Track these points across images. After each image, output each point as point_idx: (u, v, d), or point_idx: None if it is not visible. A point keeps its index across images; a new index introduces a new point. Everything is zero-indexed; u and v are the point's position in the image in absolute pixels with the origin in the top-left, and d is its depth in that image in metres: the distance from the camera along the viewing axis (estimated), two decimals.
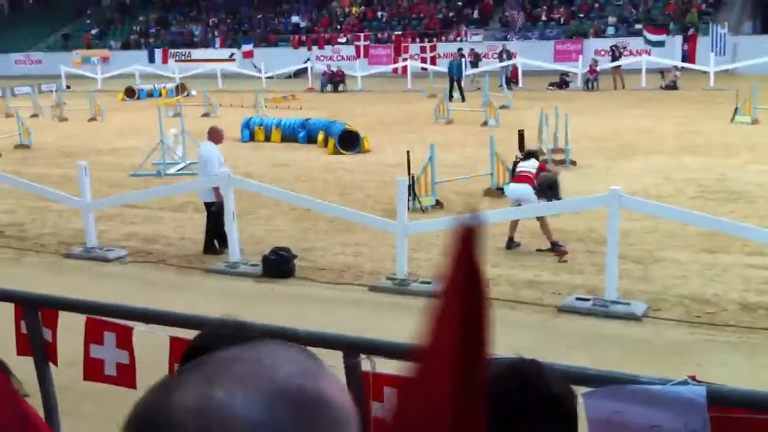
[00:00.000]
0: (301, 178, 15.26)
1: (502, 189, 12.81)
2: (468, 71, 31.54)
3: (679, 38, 35.62)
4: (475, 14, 42.45)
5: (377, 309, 8.23)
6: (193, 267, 9.89)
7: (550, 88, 30.87)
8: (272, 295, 8.84)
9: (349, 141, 17.93)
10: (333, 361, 3.42)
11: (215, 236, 10.39)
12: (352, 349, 3.40)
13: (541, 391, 1.76)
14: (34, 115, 26.43)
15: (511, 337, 7.33)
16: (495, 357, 1.84)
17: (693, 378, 2.76)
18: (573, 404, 1.82)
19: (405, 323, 7.66)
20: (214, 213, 10.28)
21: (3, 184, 12.67)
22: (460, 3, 44.01)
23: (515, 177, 10.62)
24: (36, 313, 4.25)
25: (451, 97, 27.26)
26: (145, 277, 9.68)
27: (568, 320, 7.70)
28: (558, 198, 10.19)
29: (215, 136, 10.74)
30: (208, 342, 2.04)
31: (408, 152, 12.66)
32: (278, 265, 9.37)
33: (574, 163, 15.17)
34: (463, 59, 30.86)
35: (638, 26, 37.24)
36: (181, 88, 33.00)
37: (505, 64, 33.00)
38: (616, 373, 3.17)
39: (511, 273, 9.12)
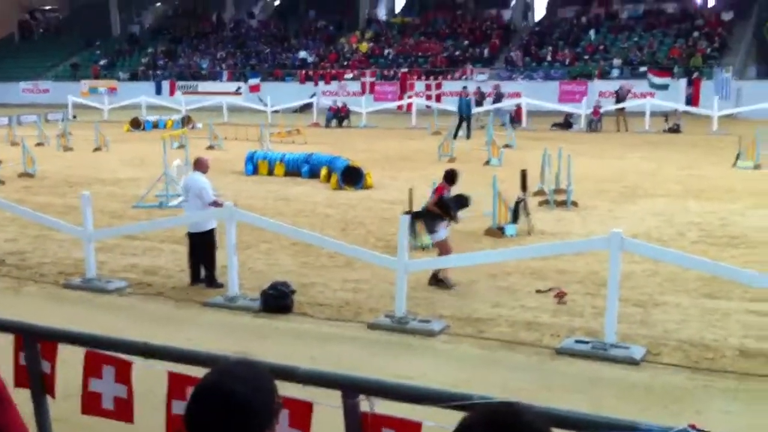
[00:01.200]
0: (303, 212, 15.30)
1: (502, 229, 12.85)
2: (473, 110, 31.74)
3: (683, 81, 35.86)
4: (485, 53, 42.78)
5: (375, 347, 8.21)
6: (191, 300, 9.88)
7: (554, 128, 31.02)
8: (271, 330, 8.82)
9: (352, 177, 18.00)
10: (332, 400, 3.42)
11: (208, 266, 10.45)
12: (352, 388, 3.40)
13: None
14: (40, 144, 26.57)
15: (508, 378, 7.32)
16: (476, 405, 1.85)
17: (693, 427, 2.74)
18: None
19: (400, 362, 7.72)
20: (209, 243, 10.38)
21: (6, 212, 12.71)
22: (466, 42, 44.42)
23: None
24: (35, 345, 4.25)
25: (456, 134, 27.40)
26: (143, 309, 9.66)
27: (566, 363, 7.66)
28: (455, 210, 10.38)
29: (201, 166, 10.85)
30: (220, 379, 2.05)
31: (410, 189, 12.71)
32: (277, 300, 9.36)
33: (575, 204, 15.20)
34: (471, 97, 31.07)
35: (643, 69, 37.51)
36: (186, 120, 33.21)
37: (500, 106, 33.19)
38: (615, 420, 3.15)
39: (510, 314, 9.10)
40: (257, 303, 9.43)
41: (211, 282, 10.36)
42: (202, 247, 10.42)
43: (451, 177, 10.76)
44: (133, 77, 49.23)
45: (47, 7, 67.18)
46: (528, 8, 47.84)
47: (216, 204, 10.54)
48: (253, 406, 1.99)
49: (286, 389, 3.56)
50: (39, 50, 56.51)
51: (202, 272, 10.49)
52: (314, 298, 9.79)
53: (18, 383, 4.47)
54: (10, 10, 59.28)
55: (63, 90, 45.16)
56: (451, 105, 33.92)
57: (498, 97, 34.40)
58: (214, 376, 2.07)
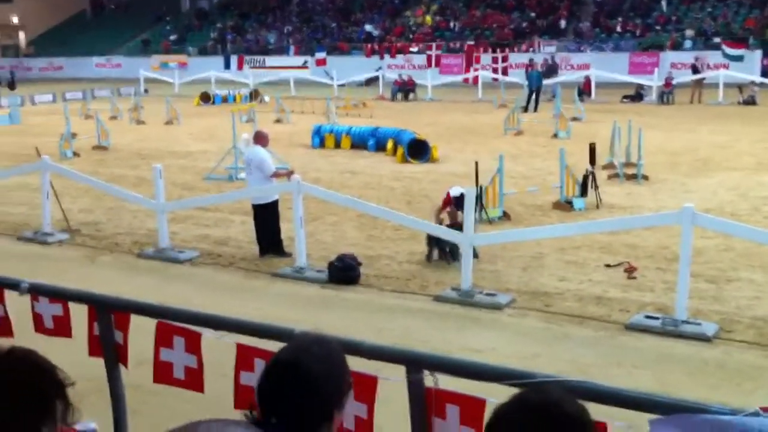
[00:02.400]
0: (369, 185, 15.35)
1: (571, 202, 12.68)
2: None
3: (758, 53, 34.64)
4: (553, 25, 41.97)
5: (441, 319, 8.21)
6: (260, 271, 10.03)
7: (624, 100, 30.35)
8: (337, 301, 8.91)
9: (418, 150, 17.96)
10: (396, 374, 3.44)
11: (274, 237, 10.59)
12: (416, 364, 3.40)
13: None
14: (113, 118, 27.23)
15: (576, 353, 7.25)
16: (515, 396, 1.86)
17: (765, 410, 2.67)
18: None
19: (467, 335, 7.69)
20: (273, 214, 10.52)
21: (81, 183, 13.08)
22: (533, 14, 43.66)
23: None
24: (109, 316, 4.36)
25: (526, 108, 27.06)
26: (214, 279, 9.86)
27: (635, 338, 7.55)
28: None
29: (261, 139, 11.00)
30: (297, 356, 2.08)
31: (476, 163, 12.62)
32: (344, 272, 9.44)
33: (646, 177, 14.88)
34: (540, 70, 30.56)
35: (716, 40, 36.33)
36: (254, 94, 33.55)
37: (556, 80, 32.53)
38: (684, 401, 3.08)
39: (579, 288, 8.98)
40: (324, 274, 9.52)
41: (279, 251, 10.51)
42: (266, 218, 10.59)
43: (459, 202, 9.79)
44: (203, 52, 49.92)
45: None
46: None
47: (277, 175, 10.69)
48: (327, 384, 2.02)
49: (352, 363, 3.61)
50: (110, 26, 57.74)
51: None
52: (380, 271, 9.84)
53: (92, 353, 4.61)
54: None
55: (135, 65, 46.14)
56: (518, 78, 33.50)
57: (550, 70, 33.65)
58: (290, 353, 2.09)
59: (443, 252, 10.04)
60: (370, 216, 11.47)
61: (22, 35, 61.00)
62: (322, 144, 20.48)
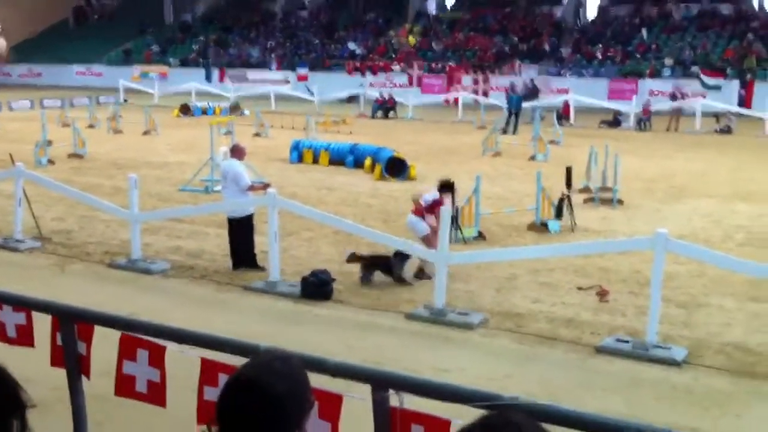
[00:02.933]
0: (346, 202, 15.33)
1: (546, 225, 12.73)
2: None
3: (735, 83, 35.13)
4: (534, 49, 42.37)
5: (413, 338, 8.19)
6: (233, 284, 9.96)
7: (602, 126, 30.61)
8: (309, 317, 8.85)
9: (397, 168, 17.98)
10: (361, 393, 3.41)
11: (248, 251, 10.55)
12: (381, 383, 3.37)
13: None
14: (91, 126, 27.02)
15: (546, 374, 7.24)
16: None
17: None
18: None
19: (438, 354, 7.66)
20: (247, 227, 10.50)
21: (54, 191, 12.95)
22: (516, 38, 44.05)
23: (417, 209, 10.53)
24: (72, 326, 4.30)
25: (505, 130, 27.22)
26: (186, 291, 9.77)
27: (605, 361, 7.56)
28: (399, 266, 9.97)
29: (238, 152, 11.04)
30: (257, 374, 2.04)
31: (452, 182, 12.63)
32: (317, 287, 9.39)
33: (621, 202, 14.98)
34: (521, 93, 30.77)
35: (695, 68, 36.81)
36: (234, 108, 33.48)
37: (538, 103, 32.88)
38: (652, 426, 3.07)
39: (551, 310, 9.00)
40: (297, 289, 9.47)
41: (253, 265, 10.45)
42: (241, 232, 10.55)
43: (447, 186, 10.60)
44: (184, 64, 49.78)
45: None
46: (580, 5, 47.26)
47: (253, 189, 10.66)
48: (288, 402, 1.99)
49: (317, 380, 3.57)
50: (93, 35, 57.45)
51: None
52: (353, 287, 9.80)
53: (54, 363, 4.54)
54: None
55: (115, 74, 45.89)
56: (498, 100, 33.71)
57: (531, 93, 33.95)
58: (250, 370, 2.07)
59: (388, 272, 10.02)
60: (345, 233, 11.44)
61: (2, 41, 60.52)
62: (300, 159, 20.44)
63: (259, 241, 10.63)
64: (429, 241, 9.83)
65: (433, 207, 10.07)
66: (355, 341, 8.01)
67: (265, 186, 10.91)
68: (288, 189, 15.20)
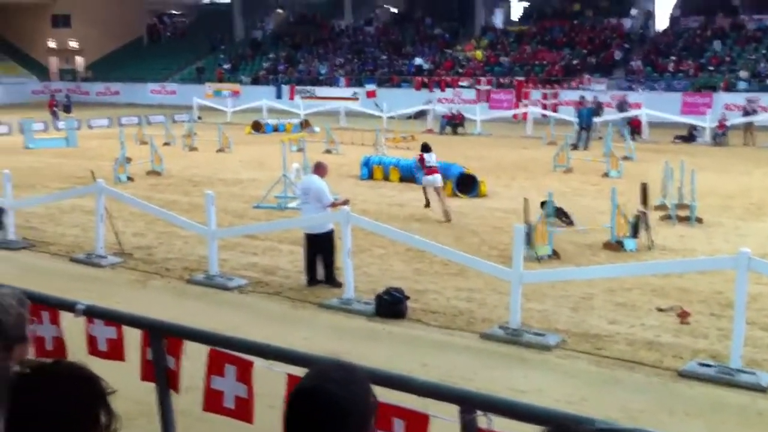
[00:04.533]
0: (417, 218, 15.35)
1: (622, 243, 12.52)
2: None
3: None
4: (603, 62, 41.81)
5: (488, 358, 8.14)
6: (307, 301, 10.06)
7: (676, 141, 29.97)
8: (384, 334, 8.88)
9: (466, 184, 17.93)
10: (448, 413, 3.40)
11: (328, 265, 10.63)
12: (469, 404, 3.36)
13: None
14: (167, 144, 27.67)
15: (627, 399, 7.11)
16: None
17: None
18: None
19: (514, 375, 7.60)
20: (328, 244, 10.57)
21: (134, 207, 13.31)
22: (584, 51, 43.55)
23: (429, 170, 15.77)
24: (161, 341, 4.40)
25: (576, 146, 26.90)
26: (262, 307, 9.91)
27: (688, 386, 7.37)
28: None
29: (321, 170, 11.12)
30: (317, 383, 2.07)
31: (525, 199, 12.55)
32: (391, 305, 9.42)
33: (700, 220, 14.62)
34: (591, 107, 30.42)
35: None
36: (305, 124, 33.89)
37: (625, 115, 32.42)
38: None
39: (629, 332, 8.83)
40: (371, 307, 9.51)
41: (331, 281, 10.52)
42: (320, 248, 10.61)
43: (425, 147, 16.46)
44: (255, 81, 50.67)
45: (174, 12, 70.22)
46: (649, 17, 46.45)
47: (334, 205, 10.74)
48: (350, 409, 2.01)
49: (399, 398, 3.56)
50: (166, 53, 59.01)
51: (319, 272, 10.67)
52: (427, 305, 9.79)
53: (144, 377, 4.64)
54: (139, 14, 62.28)
55: (189, 92, 46.95)
56: (567, 114, 33.33)
57: (621, 108, 33.49)
58: (311, 380, 2.10)
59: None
60: (417, 249, 11.46)
61: (80, 60, 62.65)
62: (370, 176, 20.56)
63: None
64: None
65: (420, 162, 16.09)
66: (428, 360, 7.99)
67: (345, 202, 10.99)
68: (359, 205, 15.30)
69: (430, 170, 15.67)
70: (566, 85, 40.85)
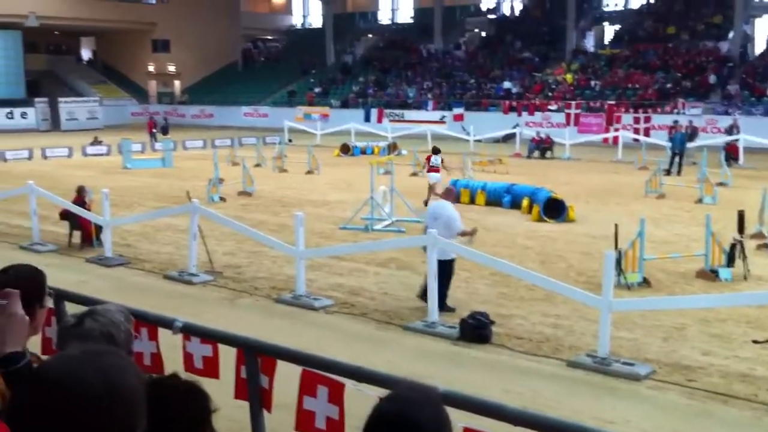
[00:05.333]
0: (503, 243, 15.25)
1: (716, 272, 12.14)
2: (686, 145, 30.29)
3: None
4: (699, 86, 40.75)
5: (575, 386, 8.00)
6: (392, 323, 10.11)
7: None
8: (468, 359, 8.84)
9: (554, 209, 17.72)
10: None
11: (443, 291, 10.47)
12: None
13: None
14: (258, 165, 28.32)
15: None
16: None
17: None
18: None
19: (601, 404, 7.45)
20: (448, 271, 10.43)
21: (225, 227, 13.67)
22: (678, 75, 42.55)
23: (431, 168, 19.54)
24: (256, 360, 4.50)
25: (669, 171, 26.28)
26: (347, 328, 10.01)
27: None
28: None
29: (450, 195, 11.32)
30: (404, 408, 2.10)
31: (616, 225, 12.32)
32: (476, 329, 9.37)
33: None
34: (685, 132, 29.68)
35: None
36: (392, 147, 34.16)
37: (732, 138, 31.45)
38: None
39: (723, 363, 8.54)
40: (455, 330, 9.49)
41: (443, 307, 10.29)
42: (440, 273, 10.17)
43: (434, 150, 19.96)
44: (344, 104, 51.43)
45: (268, 38, 72.07)
46: (748, 40, 45.06)
47: (464, 234, 10.70)
48: (431, 429, 2.02)
49: (487, 425, 3.55)
50: (260, 77, 60.58)
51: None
52: (513, 330, 9.71)
53: (238, 395, 4.75)
54: (235, 39, 64.16)
55: (280, 115, 48.02)
56: (660, 139, 32.59)
57: (731, 131, 32.56)
58: (396, 405, 2.10)
59: None
60: (503, 274, 11.38)
61: (177, 83, 64.87)
62: (457, 199, 20.48)
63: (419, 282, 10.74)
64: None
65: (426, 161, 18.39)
66: (512, 386, 7.92)
67: (473, 232, 10.98)
68: None
69: (432, 169, 19.70)
70: (660, 109, 39.97)
